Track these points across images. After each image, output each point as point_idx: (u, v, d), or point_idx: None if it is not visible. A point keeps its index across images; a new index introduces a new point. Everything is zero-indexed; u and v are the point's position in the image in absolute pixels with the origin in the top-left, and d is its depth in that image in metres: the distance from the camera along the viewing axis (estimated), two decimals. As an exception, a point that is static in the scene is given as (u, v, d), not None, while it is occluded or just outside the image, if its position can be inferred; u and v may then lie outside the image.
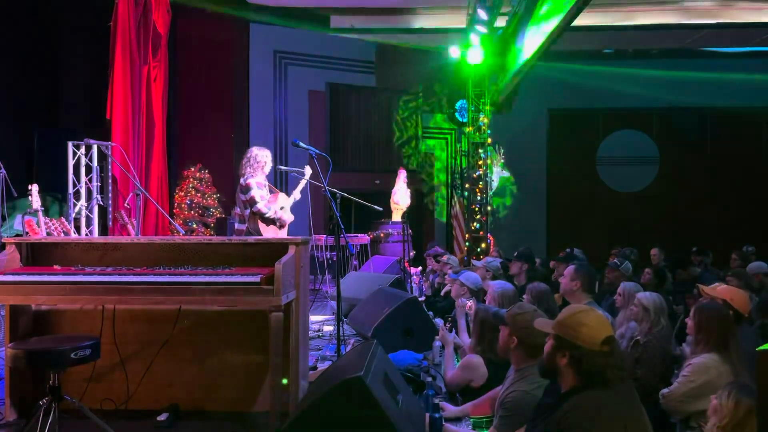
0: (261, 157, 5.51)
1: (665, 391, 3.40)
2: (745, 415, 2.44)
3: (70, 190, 7.36)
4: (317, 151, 4.60)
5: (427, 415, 3.02)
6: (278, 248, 3.41)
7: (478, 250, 10.45)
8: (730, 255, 8.38)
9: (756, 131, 13.87)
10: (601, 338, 2.28)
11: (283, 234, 5.65)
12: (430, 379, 3.78)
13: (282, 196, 5.72)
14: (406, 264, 7.82)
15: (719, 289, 3.69)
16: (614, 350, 2.31)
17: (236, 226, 5.72)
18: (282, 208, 5.62)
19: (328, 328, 5.79)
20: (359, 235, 9.76)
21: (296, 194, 5.78)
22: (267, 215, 5.43)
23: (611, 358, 2.27)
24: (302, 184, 5.71)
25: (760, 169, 13.72)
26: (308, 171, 5.57)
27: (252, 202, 5.39)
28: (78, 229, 7.27)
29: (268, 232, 5.49)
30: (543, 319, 2.64)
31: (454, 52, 10.78)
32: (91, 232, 7.43)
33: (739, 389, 2.54)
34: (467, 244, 10.74)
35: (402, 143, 13.39)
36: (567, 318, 2.39)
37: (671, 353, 3.99)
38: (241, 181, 5.50)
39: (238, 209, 5.64)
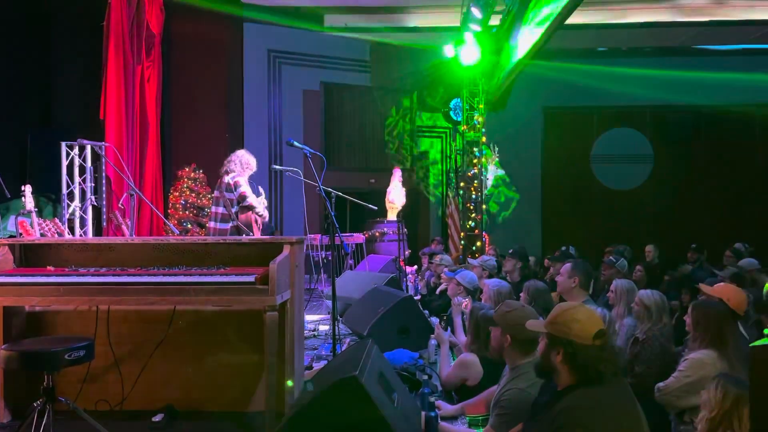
0: (251, 162, 5.65)
1: (661, 384, 3.42)
2: (732, 405, 2.46)
3: (64, 190, 7.33)
4: (311, 150, 4.59)
5: (423, 413, 3.02)
6: (273, 248, 3.40)
7: (474, 248, 10.46)
8: (723, 252, 8.42)
9: (749, 129, 13.90)
10: (593, 332, 2.31)
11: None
12: (425, 377, 3.78)
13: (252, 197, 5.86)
14: (402, 263, 7.82)
15: (716, 288, 3.71)
16: (607, 344, 2.34)
17: (218, 226, 5.65)
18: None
19: (324, 328, 5.78)
20: (354, 234, 9.75)
21: (263, 200, 5.93)
22: (257, 210, 5.54)
23: (604, 352, 2.31)
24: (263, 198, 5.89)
25: (754, 167, 13.77)
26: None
27: (243, 197, 5.48)
28: (72, 229, 7.24)
29: (256, 230, 5.59)
30: (534, 320, 2.65)
31: (448, 50, 10.77)
32: (85, 232, 7.40)
33: (727, 380, 2.57)
34: (462, 242, 10.75)
35: (397, 142, 13.38)
36: (558, 315, 2.41)
37: (671, 351, 3.99)
38: (227, 179, 5.53)
39: (221, 209, 5.62)
